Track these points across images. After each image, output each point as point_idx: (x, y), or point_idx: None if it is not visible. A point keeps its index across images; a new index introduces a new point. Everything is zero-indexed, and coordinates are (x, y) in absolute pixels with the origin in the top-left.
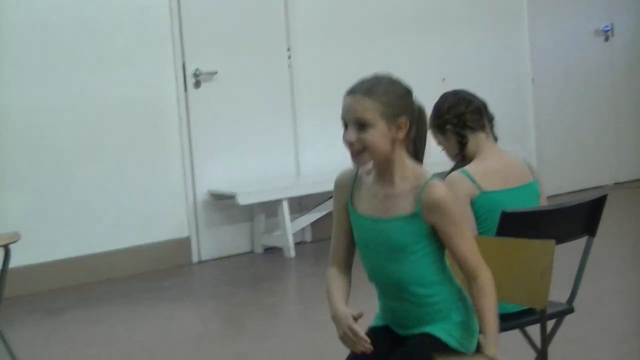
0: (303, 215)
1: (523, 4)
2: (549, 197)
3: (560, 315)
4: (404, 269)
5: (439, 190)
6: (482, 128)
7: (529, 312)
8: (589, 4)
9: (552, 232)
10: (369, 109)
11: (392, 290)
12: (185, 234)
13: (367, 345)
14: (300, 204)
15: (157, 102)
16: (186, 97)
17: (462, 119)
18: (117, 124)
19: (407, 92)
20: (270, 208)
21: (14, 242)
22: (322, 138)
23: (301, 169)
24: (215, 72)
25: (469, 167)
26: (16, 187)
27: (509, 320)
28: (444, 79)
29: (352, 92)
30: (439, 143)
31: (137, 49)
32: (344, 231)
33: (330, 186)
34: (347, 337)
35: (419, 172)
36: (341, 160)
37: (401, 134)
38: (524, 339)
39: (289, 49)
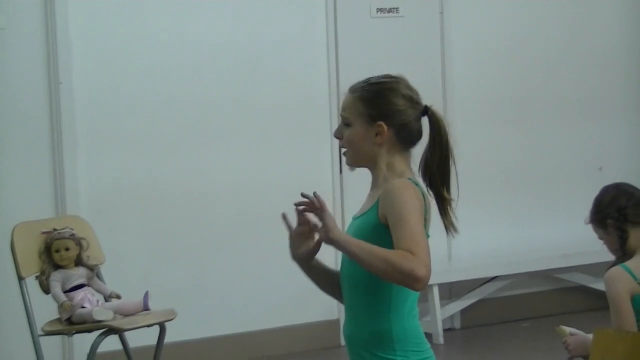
0: (453, 301)
1: None
2: None
3: None
4: (357, 271)
5: (396, 181)
6: None
7: None
8: None
9: None
10: (349, 107)
11: (346, 295)
12: (334, 316)
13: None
14: (450, 290)
15: (311, 183)
16: (341, 179)
17: (623, 212)
18: (271, 202)
19: (394, 94)
20: (420, 293)
21: (170, 319)
22: (475, 221)
23: (452, 252)
24: None
25: (630, 263)
26: (172, 263)
27: None
28: (601, 168)
29: (349, 88)
30: (600, 237)
31: (295, 129)
32: None
33: (485, 272)
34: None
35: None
36: (496, 244)
37: (379, 139)
38: None
39: None
